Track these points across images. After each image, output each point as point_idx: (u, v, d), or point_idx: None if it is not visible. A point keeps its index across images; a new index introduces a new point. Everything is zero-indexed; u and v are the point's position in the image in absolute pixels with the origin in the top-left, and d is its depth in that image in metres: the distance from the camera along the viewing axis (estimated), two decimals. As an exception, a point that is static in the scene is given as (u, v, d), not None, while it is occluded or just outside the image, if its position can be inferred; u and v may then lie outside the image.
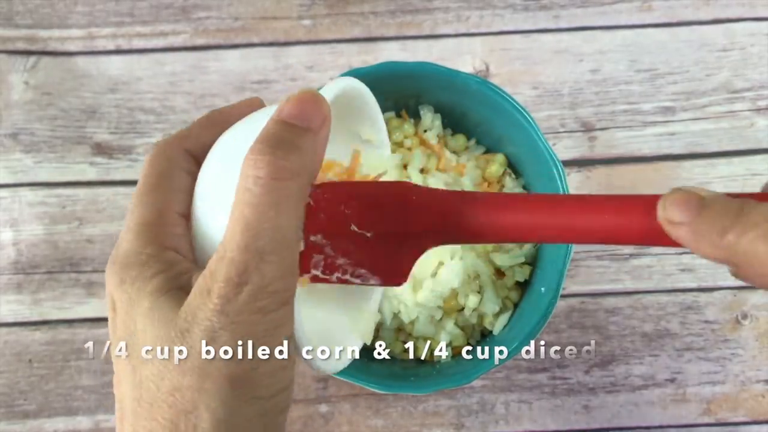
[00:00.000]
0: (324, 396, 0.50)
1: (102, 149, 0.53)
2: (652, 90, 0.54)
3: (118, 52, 0.55)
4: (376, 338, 0.47)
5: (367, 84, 0.44)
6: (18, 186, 0.53)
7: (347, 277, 0.27)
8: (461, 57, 0.54)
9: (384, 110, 0.49)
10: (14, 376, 0.51)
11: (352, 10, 0.55)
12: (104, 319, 0.51)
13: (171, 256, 0.25)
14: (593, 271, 0.52)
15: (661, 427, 0.50)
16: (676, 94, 0.54)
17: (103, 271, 0.54)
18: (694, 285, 0.51)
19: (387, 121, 0.49)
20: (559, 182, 0.42)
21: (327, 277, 0.27)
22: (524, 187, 0.47)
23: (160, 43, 0.55)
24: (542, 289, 0.43)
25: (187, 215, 0.27)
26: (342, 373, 0.40)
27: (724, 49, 0.54)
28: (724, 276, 0.51)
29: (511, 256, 0.46)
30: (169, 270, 0.24)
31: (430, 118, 0.48)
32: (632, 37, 0.54)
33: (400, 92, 0.47)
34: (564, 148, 0.53)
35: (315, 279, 0.27)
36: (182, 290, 0.24)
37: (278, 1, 0.55)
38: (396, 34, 0.55)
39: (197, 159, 0.28)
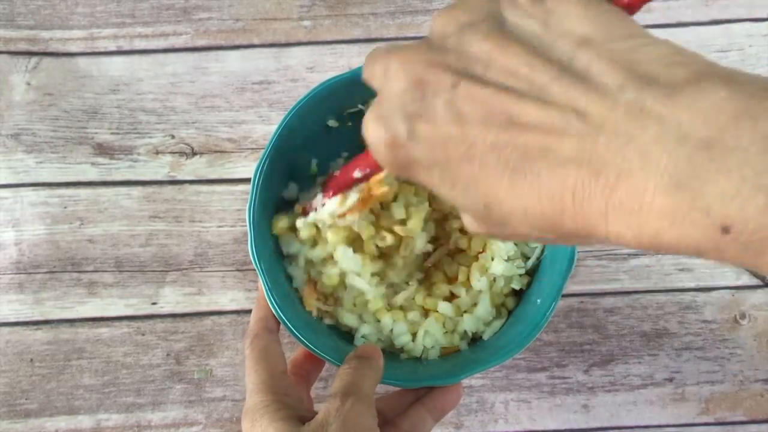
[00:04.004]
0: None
1: (103, 149, 0.54)
2: (650, 90, 0.54)
3: (120, 52, 0.55)
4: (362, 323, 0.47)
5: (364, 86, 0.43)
6: (20, 186, 0.53)
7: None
8: (461, 58, 0.54)
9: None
10: (16, 375, 0.51)
11: (352, 12, 0.55)
12: (105, 319, 0.51)
13: (284, 399, 0.36)
14: (592, 270, 0.52)
15: (659, 426, 0.50)
16: (674, 94, 0.54)
17: (105, 271, 0.54)
18: (692, 285, 0.52)
19: None
20: None
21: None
22: None
23: (161, 43, 0.55)
24: (538, 300, 0.43)
25: (286, 370, 0.38)
26: (327, 354, 0.40)
27: (723, 50, 0.54)
28: (722, 276, 0.52)
29: (513, 266, 0.45)
30: (285, 408, 0.35)
31: None
32: (631, 38, 0.55)
33: None
34: (563, 149, 0.53)
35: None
36: (296, 418, 0.34)
37: (279, 3, 0.56)
38: (396, 35, 0.55)
39: (275, 329, 0.41)
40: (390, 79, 0.25)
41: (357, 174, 0.37)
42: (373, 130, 0.25)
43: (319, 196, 0.42)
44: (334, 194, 0.40)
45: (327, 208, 0.40)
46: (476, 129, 0.22)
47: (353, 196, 0.39)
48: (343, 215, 0.40)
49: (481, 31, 0.23)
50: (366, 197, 0.39)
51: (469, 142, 0.22)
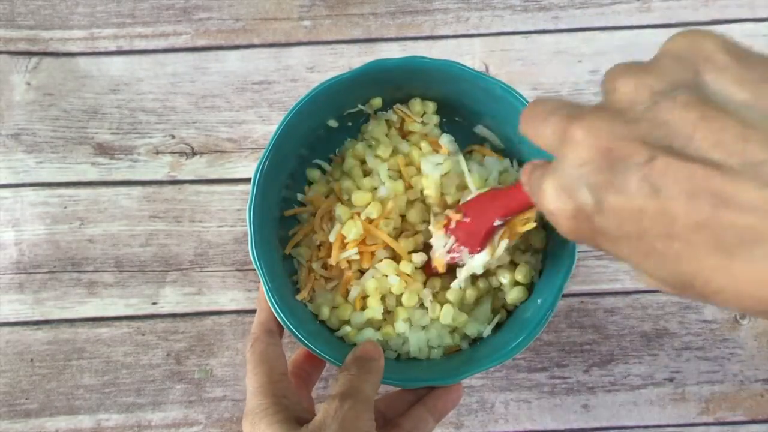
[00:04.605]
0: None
1: (103, 149, 0.54)
2: (651, 90, 0.54)
3: (120, 52, 0.55)
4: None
5: (369, 83, 0.43)
6: (20, 186, 0.53)
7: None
8: (461, 58, 0.54)
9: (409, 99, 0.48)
10: (16, 375, 0.51)
11: (352, 12, 0.55)
12: (105, 319, 0.51)
13: (283, 401, 0.36)
14: (592, 270, 0.52)
15: (659, 426, 0.50)
16: (674, 94, 0.54)
17: (104, 271, 0.54)
18: (692, 285, 0.52)
19: (410, 106, 0.48)
20: None
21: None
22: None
23: (161, 43, 0.55)
24: (539, 300, 0.43)
25: (286, 373, 0.39)
26: (327, 354, 0.40)
27: (723, 50, 0.54)
28: (722, 276, 0.52)
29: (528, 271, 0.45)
30: (283, 410, 0.35)
31: (431, 109, 0.48)
32: (631, 38, 0.55)
33: (397, 87, 0.46)
34: (563, 149, 0.53)
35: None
36: (294, 420, 0.35)
37: (279, 3, 0.56)
38: (396, 35, 0.55)
39: (275, 332, 0.41)
40: (571, 148, 0.23)
41: (498, 222, 0.38)
42: (554, 200, 0.24)
43: (441, 242, 0.42)
44: (482, 248, 0.40)
45: (479, 261, 0.41)
46: (679, 206, 0.20)
47: (503, 245, 0.40)
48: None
49: (681, 100, 0.21)
50: (511, 235, 0.39)
51: (669, 218, 0.21)
